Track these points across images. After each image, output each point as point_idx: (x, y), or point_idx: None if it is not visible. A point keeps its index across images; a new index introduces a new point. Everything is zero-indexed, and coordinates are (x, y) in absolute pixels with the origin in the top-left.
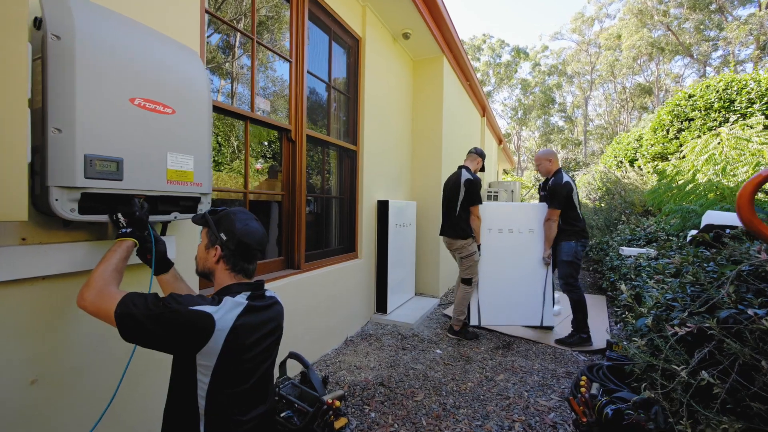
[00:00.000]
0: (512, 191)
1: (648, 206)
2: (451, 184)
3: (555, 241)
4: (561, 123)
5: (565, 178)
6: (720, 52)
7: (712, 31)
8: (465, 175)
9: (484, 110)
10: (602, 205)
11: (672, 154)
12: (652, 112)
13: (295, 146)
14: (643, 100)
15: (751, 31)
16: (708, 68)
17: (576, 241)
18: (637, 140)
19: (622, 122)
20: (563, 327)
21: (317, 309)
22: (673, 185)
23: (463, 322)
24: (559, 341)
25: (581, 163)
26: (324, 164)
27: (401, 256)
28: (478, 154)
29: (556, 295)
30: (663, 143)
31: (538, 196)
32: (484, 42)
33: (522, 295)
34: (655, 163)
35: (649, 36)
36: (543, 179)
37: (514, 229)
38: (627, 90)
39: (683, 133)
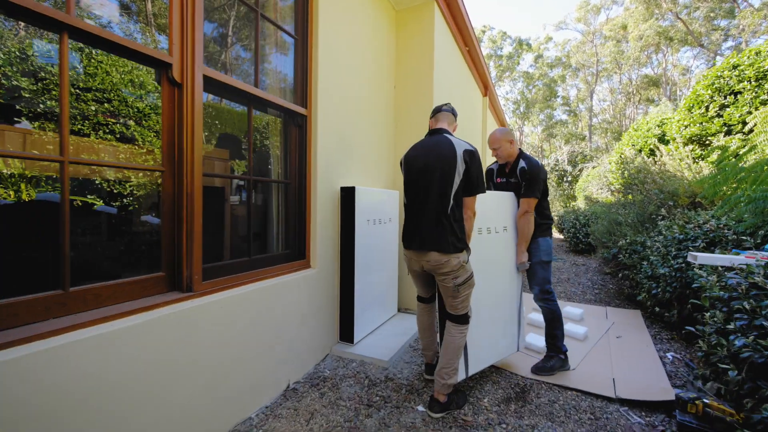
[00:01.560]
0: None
1: (699, 197)
2: (439, 161)
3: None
4: (564, 117)
5: (539, 161)
6: (730, 43)
7: (723, 20)
8: (462, 145)
9: (486, 89)
10: (631, 197)
11: (713, 135)
12: (658, 105)
13: (181, 93)
14: (649, 92)
15: (766, 16)
16: (719, 58)
17: (550, 237)
18: (659, 125)
19: (628, 116)
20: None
21: (228, 353)
22: (739, 168)
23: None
24: (537, 370)
25: (588, 157)
26: (250, 131)
27: (376, 263)
28: (454, 113)
29: (579, 310)
30: (701, 123)
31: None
32: (484, 33)
33: (501, 318)
34: (691, 147)
35: (657, 25)
36: (501, 164)
37: (486, 228)
38: (633, 82)
39: (728, 109)
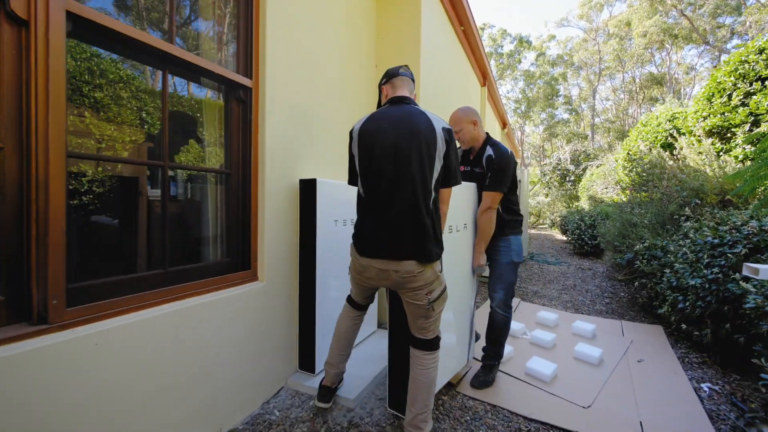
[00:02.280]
0: (519, 180)
1: (730, 194)
2: (416, 139)
3: (493, 238)
4: (566, 116)
5: (508, 149)
6: (736, 41)
7: (728, 17)
8: (439, 120)
9: (485, 78)
10: (645, 195)
11: (737, 126)
12: (663, 103)
13: (28, 35)
14: (652, 91)
15: None
16: (724, 55)
17: (520, 235)
18: (670, 120)
19: (631, 115)
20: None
21: (112, 407)
22: None
23: None
24: (480, 384)
25: (591, 156)
26: (164, 104)
27: (346, 273)
28: (413, 80)
29: (590, 326)
30: (723, 113)
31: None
32: (484, 30)
33: (458, 328)
34: (711, 140)
35: (662, 22)
36: (465, 149)
37: (447, 226)
38: (636, 80)
39: (755, 97)
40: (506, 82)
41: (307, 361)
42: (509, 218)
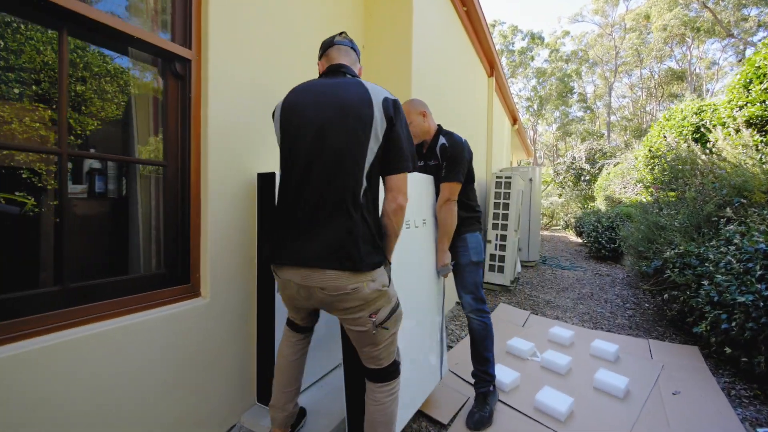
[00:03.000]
0: (531, 180)
1: None
2: (343, 113)
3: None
4: (580, 114)
5: (462, 137)
6: (762, 34)
7: (755, 9)
8: (380, 92)
9: (492, 68)
10: (674, 195)
11: None
12: (684, 99)
13: None
14: (672, 87)
15: None
16: (750, 49)
17: (479, 232)
18: (696, 113)
19: (649, 112)
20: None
21: None
22: None
23: None
24: (477, 425)
25: (608, 154)
26: (62, 73)
27: None
28: (356, 51)
29: (612, 346)
30: (764, 101)
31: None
32: (494, 27)
33: (425, 342)
34: (750, 131)
35: (684, 15)
36: (416, 144)
37: (405, 222)
38: (655, 76)
39: None
40: (518, 80)
41: (267, 393)
42: (465, 215)
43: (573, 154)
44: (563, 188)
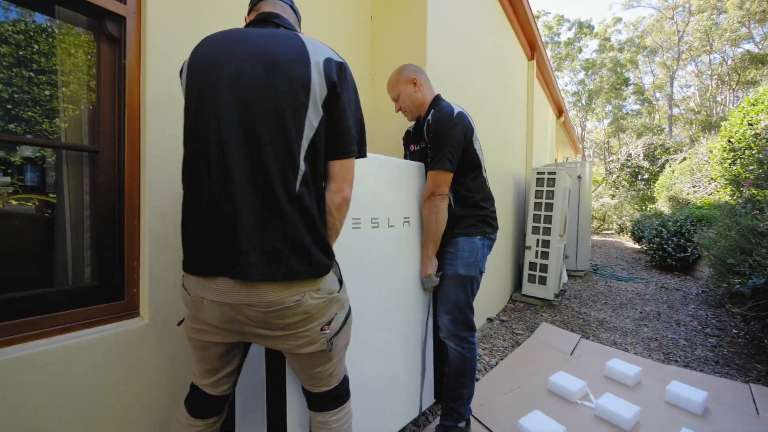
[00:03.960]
0: (580, 177)
1: None
2: (272, 73)
3: (442, 240)
4: (636, 107)
5: (456, 107)
6: None
7: None
8: (323, 50)
9: (533, 50)
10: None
11: None
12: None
13: None
14: (749, 73)
15: None
16: None
17: (482, 236)
18: None
19: (721, 103)
20: None
21: None
22: None
23: None
24: None
25: (671, 149)
26: None
27: None
28: (295, 12)
29: (698, 394)
30: None
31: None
32: (538, 18)
33: (401, 368)
34: None
35: None
36: (412, 126)
37: (370, 219)
38: (728, 62)
39: None
40: (564, 74)
41: None
42: (462, 213)
43: (628, 151)
44: (617, 188)
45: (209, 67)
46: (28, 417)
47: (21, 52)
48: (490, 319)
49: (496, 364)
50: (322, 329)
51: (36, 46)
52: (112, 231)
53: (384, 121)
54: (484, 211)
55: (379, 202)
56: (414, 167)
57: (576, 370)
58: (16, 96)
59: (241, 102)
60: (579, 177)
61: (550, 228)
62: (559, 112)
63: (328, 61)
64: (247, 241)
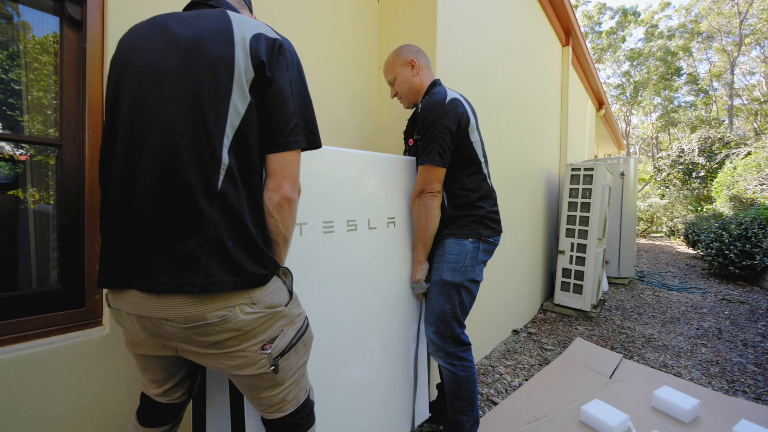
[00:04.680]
0: (623, 174)
1: None
2: (189, 57)
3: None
4: (690, 98)
5: (451, 93)
6: None
7: None
8: (253, 25)
9: (568, 35)
10: None
11: None
12: None
13: None
14: None
15: None
16: None
17: (475, 238)
18: None
19: None
20: None
21: None
22: None
23: None
24: None
25: (732, 143)
26: None
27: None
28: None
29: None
30: None
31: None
32: (577, 8)
33: (389, 383)
34: None
35: None
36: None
37: (346, 222)
38: None
39: None
40: (606, 66)
41: None
42: (453, 213)
43: (681, 146)
44: (667, 187)
45: (126, 55)
46: None
47: None
48: (515, 331)
49: (519, 385)
50: (263, 348)
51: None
52: (79, 230)
53: (393, 113)
54: (480, 210)
55: (357, 203)
56: (400, 162)
57: (616, 399)
58: None
59: (154, 89)
60: (622, 174)
61: (586, 230)
62: (600, 104)
63: (256, 38)
64: (153, 247)
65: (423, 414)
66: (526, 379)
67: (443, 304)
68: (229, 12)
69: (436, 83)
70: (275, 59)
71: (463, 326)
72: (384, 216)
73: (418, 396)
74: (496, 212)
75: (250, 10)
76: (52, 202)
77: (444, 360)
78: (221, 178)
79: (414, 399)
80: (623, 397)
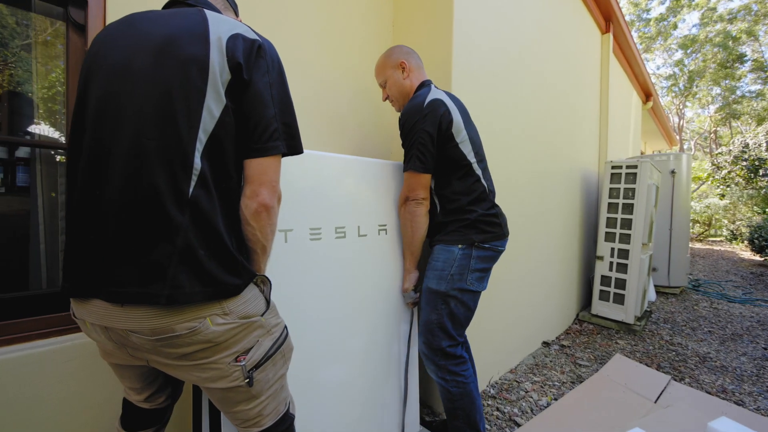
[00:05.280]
0: (673, 172)
1: None
2: (163, 57)
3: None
4: (755, 87)
5: (434, 93)
6: None
7: None
8: (230, 26)
9: (608, 21)
10: None
11: None
12: None
13: None
14: None
15: None
16: None
17: (466, 244)
18: None
19: None
20: None
21: None
22: None
23: None
24: None
25: None
26: None
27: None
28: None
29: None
30: None
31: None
32: None
33: (376, 394)
34: None
35: None
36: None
37: (335, 229)
38: None
39: None
40: (654, 56)
41: None
42: (444, 219)
43: (745, 141)
44: (727, 186)
45: (95, 54)
46: None
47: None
48: (546, 343)
49: (548, 405)
50: (237, 359)
51: (17, 41)
52: None
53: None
54: (471, 215)
55: (346, 209)
56: (392, 167)
57: (661, 428)
58: None
59: (122, 89)
60: (673, 172)
61: (629, 234)
62: (647, 95)
63: (234, 38)
64: (119, 255)
65: (414, 426)
66: (556, 399)
67: (429, 313)
68: (207, 11)
69: (423, 84)
70: (254, 61)
71: (455, 340)
72: (375, 223)
73: (408, 405)
74: (494, 215)
75: (236, 13)
76: (61, 204)
77: (435, 373)
78: (193, 183)
79: (404, 407)
80: (670, 427)
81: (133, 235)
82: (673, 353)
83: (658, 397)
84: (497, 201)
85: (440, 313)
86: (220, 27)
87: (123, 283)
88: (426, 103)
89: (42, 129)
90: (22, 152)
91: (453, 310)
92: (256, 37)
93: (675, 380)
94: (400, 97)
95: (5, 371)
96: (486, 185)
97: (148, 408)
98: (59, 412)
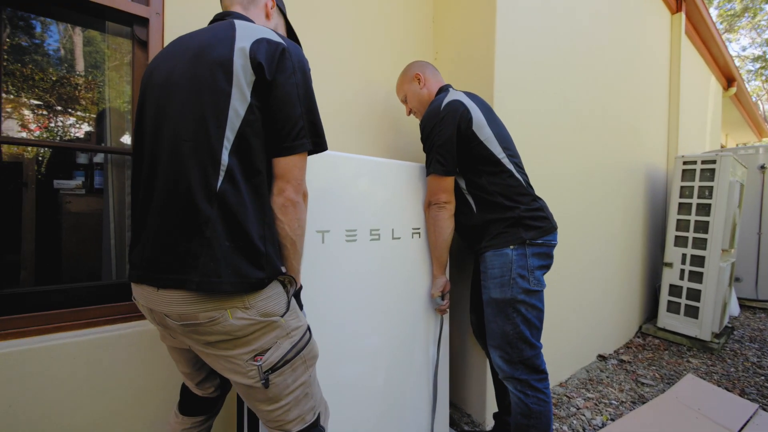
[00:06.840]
0: (763, 167)
1: None
2: (189, 68)
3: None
4: None
5: (451, 95)
6: None
7: None
8: (255, 31)
9: (678, 0)
10: None
11: None
12: None
13: None
14: None
15: None
16: None
17: (517, 244)
18: None
19: None
20: None
21: None
22: None
23: None
24: None
25: None
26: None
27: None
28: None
29: None
30: None
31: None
32: None
33: (403, 404)
34: None
35: None
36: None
37: (370, 231)
38: None
39: None
40: (739, 35)
41: None
42: (486, 218)
43: None
44: None
45: (149, 75)
46: (46, 409)
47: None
48: (602, 357)
49: (603, 425)
50: (254, 358)
51: (92, 59)
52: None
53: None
54: (514, 211)
55: (382, 212)
56: (415, 169)
57: None
58: (70, 109)
59: (168, 101)
60: (762, 167)
61: (705, 239)
62: (728, 81)
63: (258, 42)
64: (163, 245)
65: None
66: (612, 419)
67: (502, 325)
68: (237, 21)
69: (441, 90)
70: (277, 63)
71: (536, 347)
72: (409, 226)
73: (438, 413)
74: (539, 208)
75: (283, 14)
76: (128, 204)
77: (515, 387)
78: (221, 179)
79: (433, 415)
80: None
81: (174, 228)
82: (762, 378)
83: (743, 428)
84: (544, 198)
85: (514, 322)
86: (246, 33)
87: (163, 269)
88: (443, 106)
89: (114, 136)
90: (98, 158)
91: (526, 315)
92: (280, 40)
93: (764, 410)
94: (420, 107)
95: (81, 351)
96: (521, 179)
97: (201, 395)
98: (124, 391)
